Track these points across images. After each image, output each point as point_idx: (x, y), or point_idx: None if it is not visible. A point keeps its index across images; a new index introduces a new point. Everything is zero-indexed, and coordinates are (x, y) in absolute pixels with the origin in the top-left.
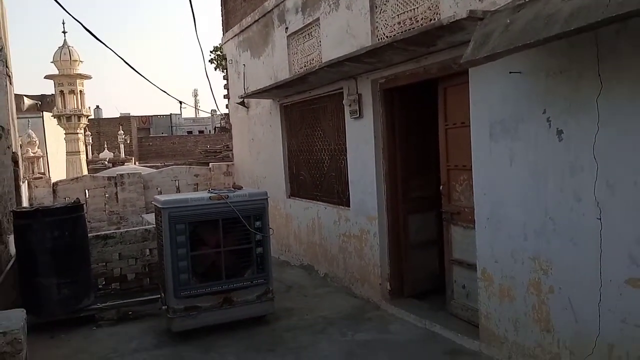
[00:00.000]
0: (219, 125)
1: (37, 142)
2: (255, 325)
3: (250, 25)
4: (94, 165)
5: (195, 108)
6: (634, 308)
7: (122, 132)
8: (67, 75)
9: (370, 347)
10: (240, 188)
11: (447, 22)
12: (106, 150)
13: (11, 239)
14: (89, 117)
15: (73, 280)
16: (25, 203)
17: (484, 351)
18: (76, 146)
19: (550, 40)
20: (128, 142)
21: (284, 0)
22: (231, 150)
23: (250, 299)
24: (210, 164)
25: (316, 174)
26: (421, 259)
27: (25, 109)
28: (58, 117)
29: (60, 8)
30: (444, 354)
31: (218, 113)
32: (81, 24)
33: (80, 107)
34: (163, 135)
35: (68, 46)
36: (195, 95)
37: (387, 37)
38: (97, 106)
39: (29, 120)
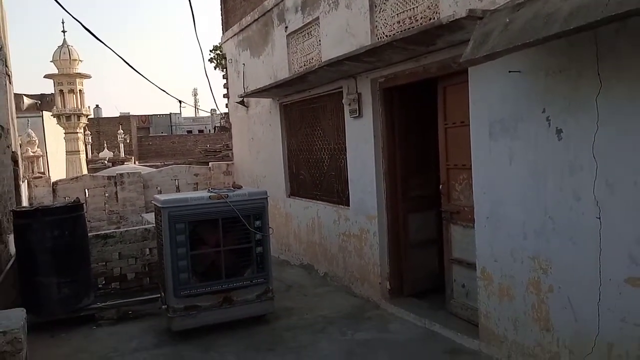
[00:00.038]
0: (218, 124)
1: (37, 141)
2: (255, 324)
3: (249, 24)
4: (94, 165)
5: (195, 107)
6: (634, 307)
7: (122, 131)
8: (66, 75)
9: (370, 346)
10: (240, 187)
11: (447, 22)
12: (106, 149)
13: (11, 238)
14: (89, 117)
15: (73, 280)
16: (25, 202)
17: (483, 350)
18: (76, 145)
19: (550, 39)
20: (128, 141)
21: (284, 0)
22: (231, 149)
23: (250, 299)
24: (210, 163)
25: (316, 173)
26: (421, 258)
27: (24, 108)
28: (58, 117)
29: (60, 7)
30: (443, 353)
31: (218, 112)
32: (81, 24)
33: (79, 107)
34: (163, 134)
35: (68, 45)
36: (195, 95)
37: (386, 36)
38: (97, 105)
39: (28, 120)
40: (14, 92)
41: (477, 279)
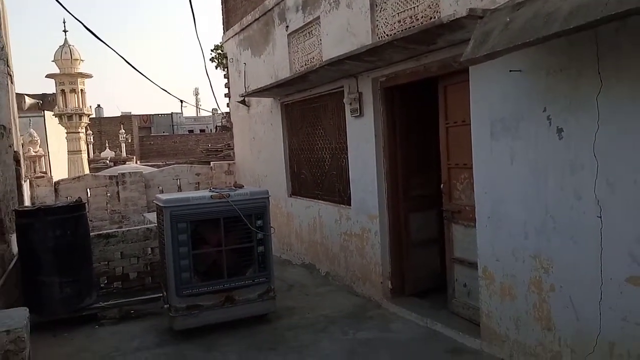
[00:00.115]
0: (220, 124)
1: (39, 141)
2: (257, 323)
3: (250, 23)
4: (96, 164)
5: (197, 107)
6: (635, 306)
7: (124, 131)
8: (68, 74)
9: (371, 345)
10: (241, 187)
11: (447, 21)
12: (107, 149)
13: (13, 238)
14: (90, 116)
15: (75, 279)
16: (27, 202)
17: (485, 350)
18: (78, 145)
19: (550, 38)
20: (129, 141)
21: None
22: (232, 149)
23: (251, 298)
24: (211, 162)
25: (317, 172)
26: (422, 257)
27: (26, 108)
28: (59, 116)
29: (62, 7)
30: (445, 353)
31: (219, 112)
32: (82, 24)
33: (81, 106)
34: (164, 134)
35: (69, 45)
36: (197, 94)
37: (387, 35)
38: (99, 105)
39: (30, 120)
40: (16, 92)
41: (479, 279)
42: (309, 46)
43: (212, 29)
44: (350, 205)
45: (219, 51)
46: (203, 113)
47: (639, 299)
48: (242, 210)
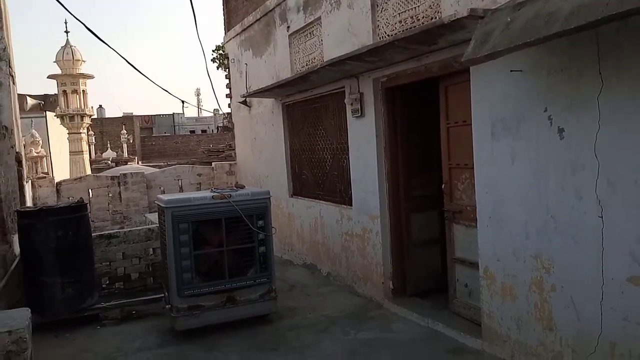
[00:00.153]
0: (221, 124)
1: (41, 141)
2: (259, 324)
3: (252, 24)
4: (97, 165)
5: (198, 107)
6: (636, 306)
7: (125, 131)
8: (69, 75)
9: (373, 345)
10: (242, 187)
11: (448, 21)
12: (109, 149)
13: (15, 238)
14: (92, 117)
15: (77, 280)
16: (29, 203)
17: (486, 350)
18: (79, 146)
19: (551, 38)
20: (131, 141)
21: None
22: (234, 149)
23: (253, 298)
24: (212, 163)
25: (318, 173)
26: (423, 257)
27: (28, 108)
28: (61, 117)
29: (63, 8)
30: (446, 353)
31: (220, 112)
32: (84, 25)
33: (83, 107)
34: (166, 134)
35: (70, 46)
36: (198, 95)
37: (388, 35)
38: (100, 106)
39: (32, 120)
40: (18, 92)
41: (480, 279)
42: (310, 46)
43: (213, 29)
44: (351, 205)
45: (220, 52)
46: (204, 113)
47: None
48: (243, 211)
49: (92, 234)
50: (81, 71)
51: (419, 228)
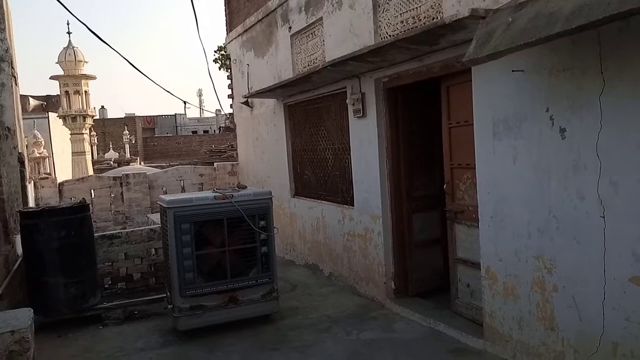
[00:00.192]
0: (223, 125)
1: (43, 142)
2: (260, 324)
3: (253, 24)
4: (100, 166)
5: (200, 108)
6: (638, 306)
7: (127, 132)
8: (72, 76)
9: (374, 345)
10: (244, 187)
11: (450, 21)
12: (111, 150)
13: (18, 239)
14: (94, 118)
15: (79, 280)
16: (31, 203)
17: (488, 350)
18: (82, 146)
19: (552, 38)
20: (133, 142)
21: (287, 0)
22: (236, 149)
23: (255, 298)
24: (215, 163)
25: (320, 173)
26: (425, 257)
27: (30, 109)
28: (63, 118)
29: (65, 9)
30: (448, 353)
31: (222, 113)
32: (86, 26)
33: (85, 108)
34: (168, 135)
35: (73, 47)
36: (200, 95)
37: (390, 36)
38: (102, 106)
39: (34, 121)
40: (20, 93)
41: (482, 279)
42: (311, 47)
43: (215, 29)
44: (353, 205)
45: (222, 52)
46: (206, 114)
47: None
48: (245, 211)
49: (95, 234)
50: (83, 72)
51: (421, 228)
